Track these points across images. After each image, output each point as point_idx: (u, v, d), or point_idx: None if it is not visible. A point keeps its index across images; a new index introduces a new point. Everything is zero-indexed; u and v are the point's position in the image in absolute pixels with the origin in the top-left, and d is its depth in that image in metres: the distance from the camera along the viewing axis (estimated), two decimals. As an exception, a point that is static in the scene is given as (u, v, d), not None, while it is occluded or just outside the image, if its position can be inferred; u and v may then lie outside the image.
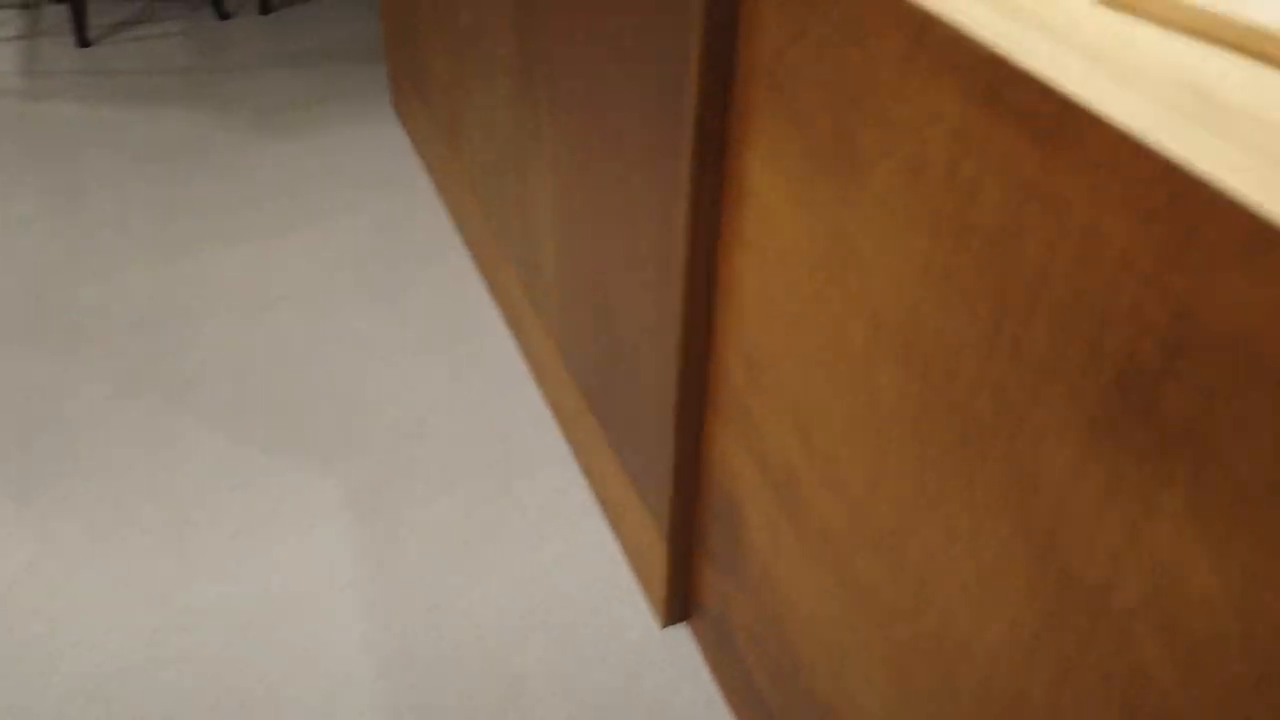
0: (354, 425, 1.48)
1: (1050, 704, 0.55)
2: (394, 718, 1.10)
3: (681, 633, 1.18)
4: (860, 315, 0.66)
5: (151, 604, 1.21)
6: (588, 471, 1.37)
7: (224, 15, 2.75)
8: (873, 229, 0.62)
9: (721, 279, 0.86)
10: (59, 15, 2.77)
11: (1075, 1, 0.52)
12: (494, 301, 1.71)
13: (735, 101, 0.75)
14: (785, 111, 0.69)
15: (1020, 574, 0.55)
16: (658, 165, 0.86)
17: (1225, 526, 0.41)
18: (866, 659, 0.75)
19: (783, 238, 0.73)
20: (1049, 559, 0.53)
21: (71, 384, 1.54)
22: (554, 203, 1.23)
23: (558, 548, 1.29)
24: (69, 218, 1.93)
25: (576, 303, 1.24)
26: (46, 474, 1.38)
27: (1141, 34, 0.49)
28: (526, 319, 1.52)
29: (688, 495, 1.05)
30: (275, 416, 1.49)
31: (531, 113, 1.23)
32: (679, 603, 1.17)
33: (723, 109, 0.77)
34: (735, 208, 0.80)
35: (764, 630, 0.95)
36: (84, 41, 2.57)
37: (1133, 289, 0.43)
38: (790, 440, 0.81)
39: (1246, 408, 0.39)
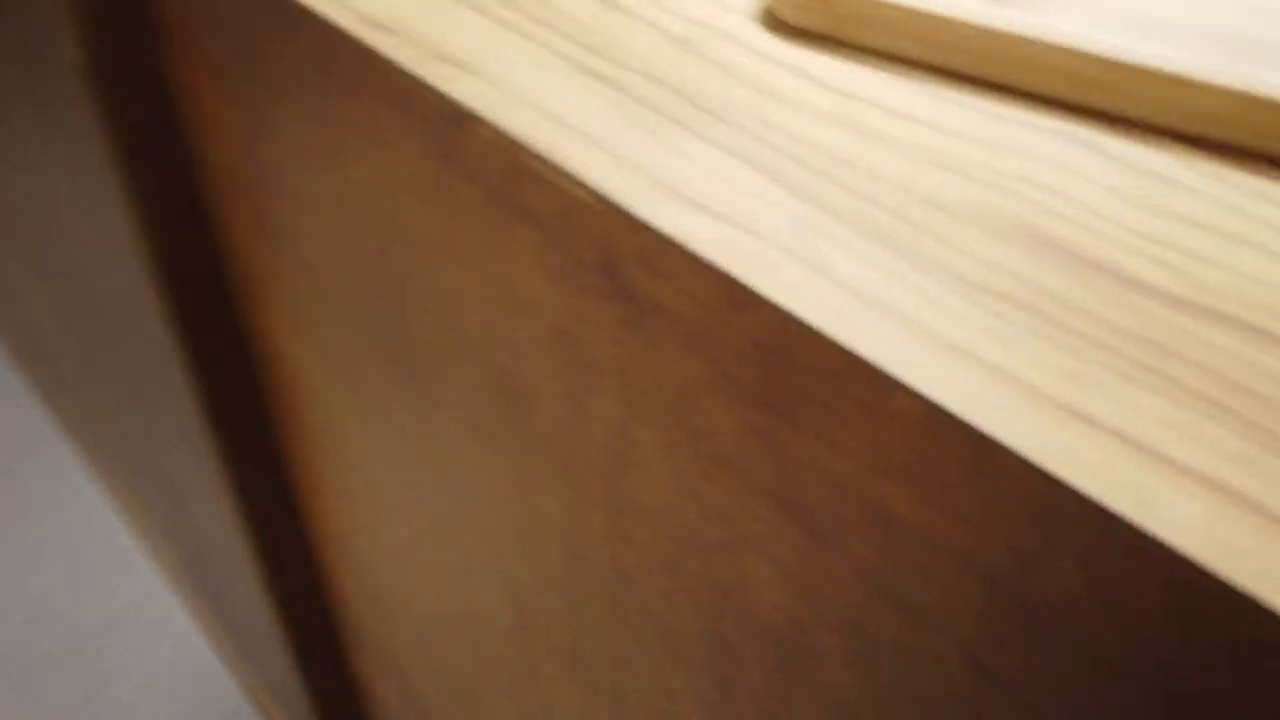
0: None
1: None
2: None
3: None
4: (496, 588, 0.38)
5: None
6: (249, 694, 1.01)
7: None
8: (471, 468, 0.34)
9: (302, 488, 0.55)
10: None
11: (741, 32, 0.26)
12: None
13: (219, 223, 0.44)
14: (290, 250, 0.38)
15: None
16: (143, 311, 0.52)
17: None
18: None
19: (356, 447, 0.44)
20: None
21: None
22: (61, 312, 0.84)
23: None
24: None
25: (143, 479, 0.87)
26: None
27: (883, 95, 0.23)
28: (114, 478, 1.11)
29: (350, 733, 0.74)
30: None
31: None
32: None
33: (203, 236, 0.45)
34: (284, 394, 0.49)
35: None
36: None
37: (1019, 742, 0.19)
38: (451, 709, 0.52)
39: None
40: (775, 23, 0.26)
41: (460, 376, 0.31)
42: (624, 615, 0.30)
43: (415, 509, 0.41)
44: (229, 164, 0.39)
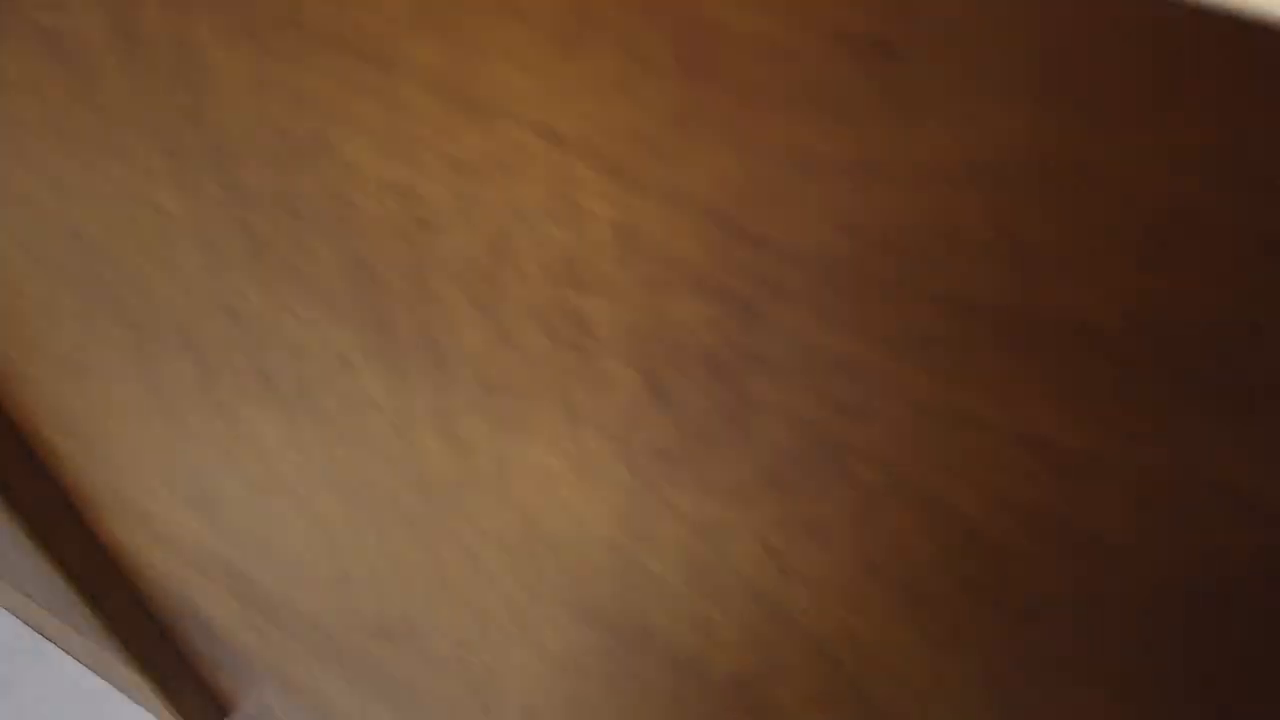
0: None
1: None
2: None
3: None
4: (157, 318, 0.35)
5: None
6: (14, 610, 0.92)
7: None
8: (76, 194, 0.30)
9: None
10: None
11: None
12: None
13: None
14: None
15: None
16: None
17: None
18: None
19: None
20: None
21: None
22: None
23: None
24: None
25: None
26: None
27: None
28: None
29: (122, 611, 0.70)
30: None
31: None
32: (206, 713, 0.84)
33: None
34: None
35: (319, 728, 0.67)
36: None
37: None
38: (204, 532, 0.49)
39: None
40: None
41: (13, 61, 0.27)
42: (274, 293, 0.28)
43: (55, 285, 0.37)
44: None
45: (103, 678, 0.88)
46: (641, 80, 0.16)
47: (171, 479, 0.46)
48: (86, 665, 0.88)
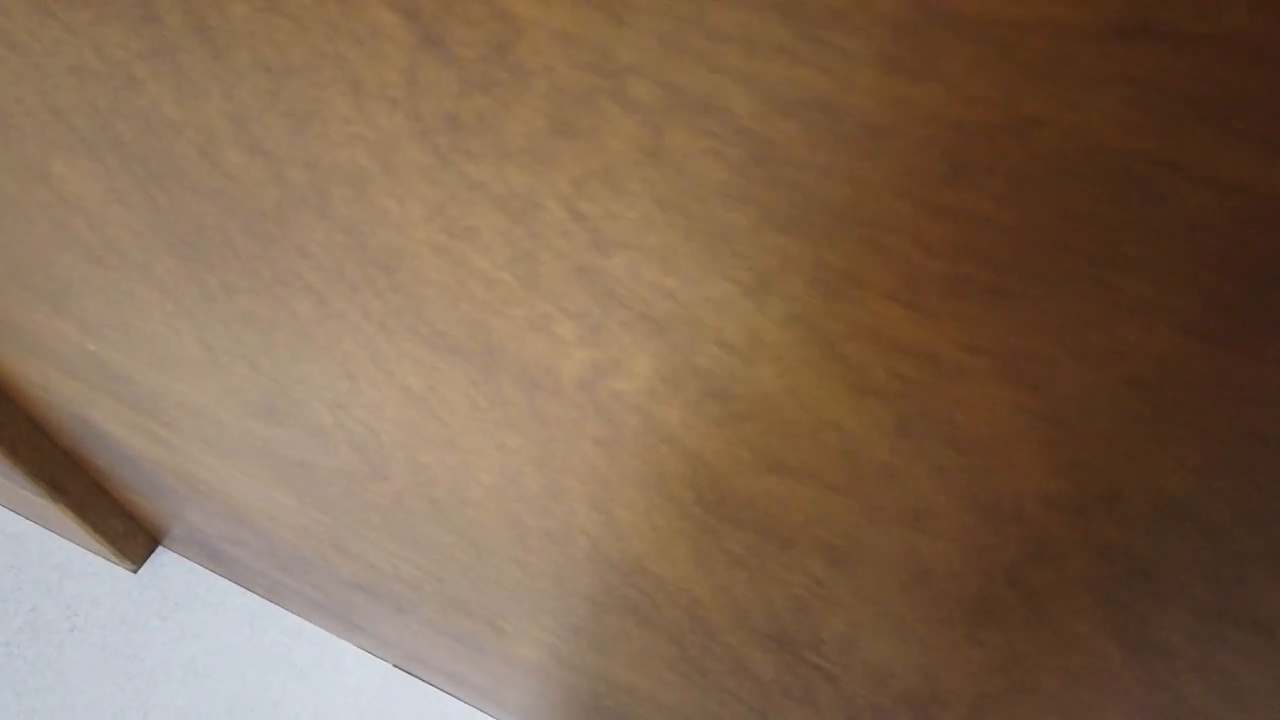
0: None
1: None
2: None
3: (165, 559, 0.88)
4: (-46, 93, 0.32)
5: None
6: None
7: None
8: None
9: None
10: None
11: None
12: None
13: None
14: None
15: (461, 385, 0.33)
16: None
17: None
18: (364, 523, 0.52)
19: None
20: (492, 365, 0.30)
21: None
22: None
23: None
24: None
25: None
26: None
27: None
28: None
29: (24, 439, 0.68)
30: None
31: None
32: (135, 541, 0.84)
33: None
34: None
35: (238, 530, 0.68)
36: None
37: None
38: (68, 329, 0.47)
39: None
40: None
41: None
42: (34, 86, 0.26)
43: None
44: None
45: (27, 518, 0.88)
46: None
47: (23, 276, 0.44)
48: (6, 507, 0.88)
